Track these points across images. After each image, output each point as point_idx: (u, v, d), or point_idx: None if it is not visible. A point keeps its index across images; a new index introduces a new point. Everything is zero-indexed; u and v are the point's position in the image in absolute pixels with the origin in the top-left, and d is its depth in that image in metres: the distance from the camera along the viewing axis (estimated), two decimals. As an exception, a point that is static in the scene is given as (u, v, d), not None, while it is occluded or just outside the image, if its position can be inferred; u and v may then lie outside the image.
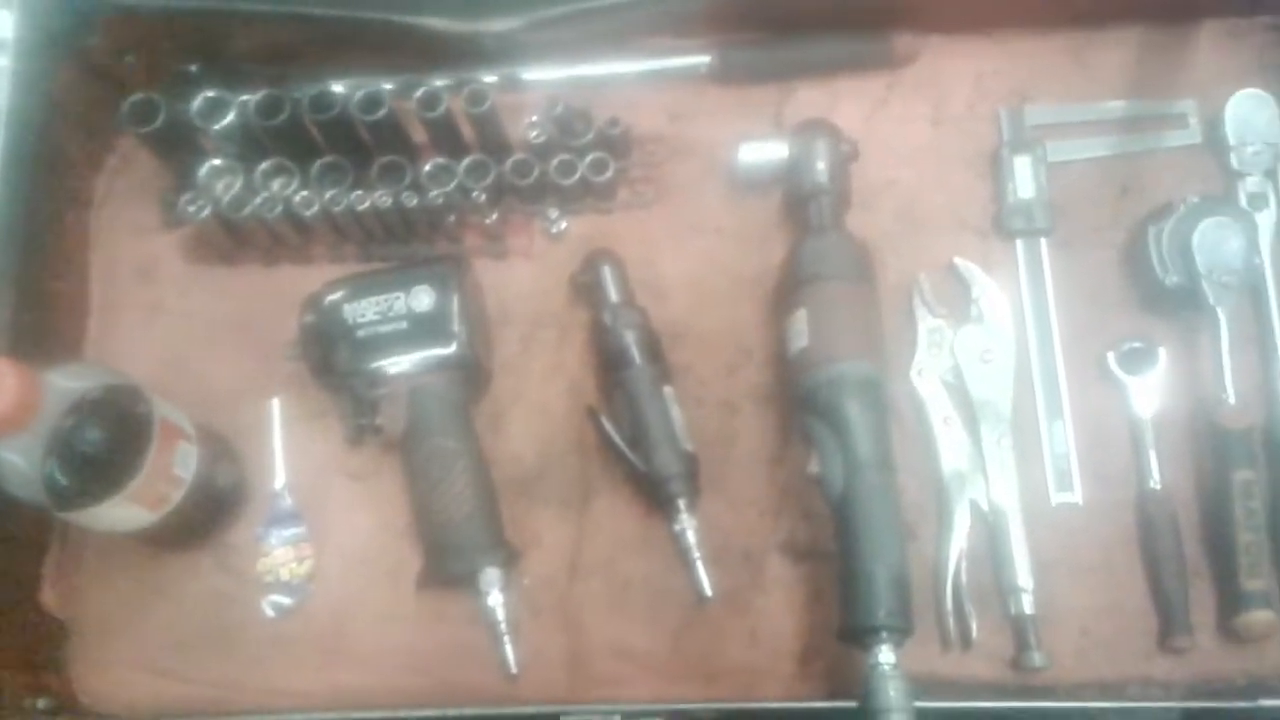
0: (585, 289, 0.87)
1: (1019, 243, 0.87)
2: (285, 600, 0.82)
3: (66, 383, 0.68)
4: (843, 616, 0.73)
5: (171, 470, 0.74)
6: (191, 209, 0.87)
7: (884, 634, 0.71)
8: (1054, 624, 0.80)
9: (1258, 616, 0.78)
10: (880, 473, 0.75)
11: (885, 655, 0.70)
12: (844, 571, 0.74)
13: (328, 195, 0.86)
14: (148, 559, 0.84)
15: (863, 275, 0.82)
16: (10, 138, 0.83)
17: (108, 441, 0.69)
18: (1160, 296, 0.84)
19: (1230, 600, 0.79)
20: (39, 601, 0.83)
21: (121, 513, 0.72)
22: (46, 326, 0.85)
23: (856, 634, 0.72)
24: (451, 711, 0.75)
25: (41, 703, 0.78)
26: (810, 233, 0.84)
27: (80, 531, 0.84)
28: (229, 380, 0.88)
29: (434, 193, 0.86)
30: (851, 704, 0.72)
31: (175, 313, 0.90)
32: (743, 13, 0.90)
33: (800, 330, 0.79)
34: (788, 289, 0.83)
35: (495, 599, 0.81)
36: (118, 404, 0.71)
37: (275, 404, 0.87)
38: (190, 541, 0.83)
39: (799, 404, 0.79)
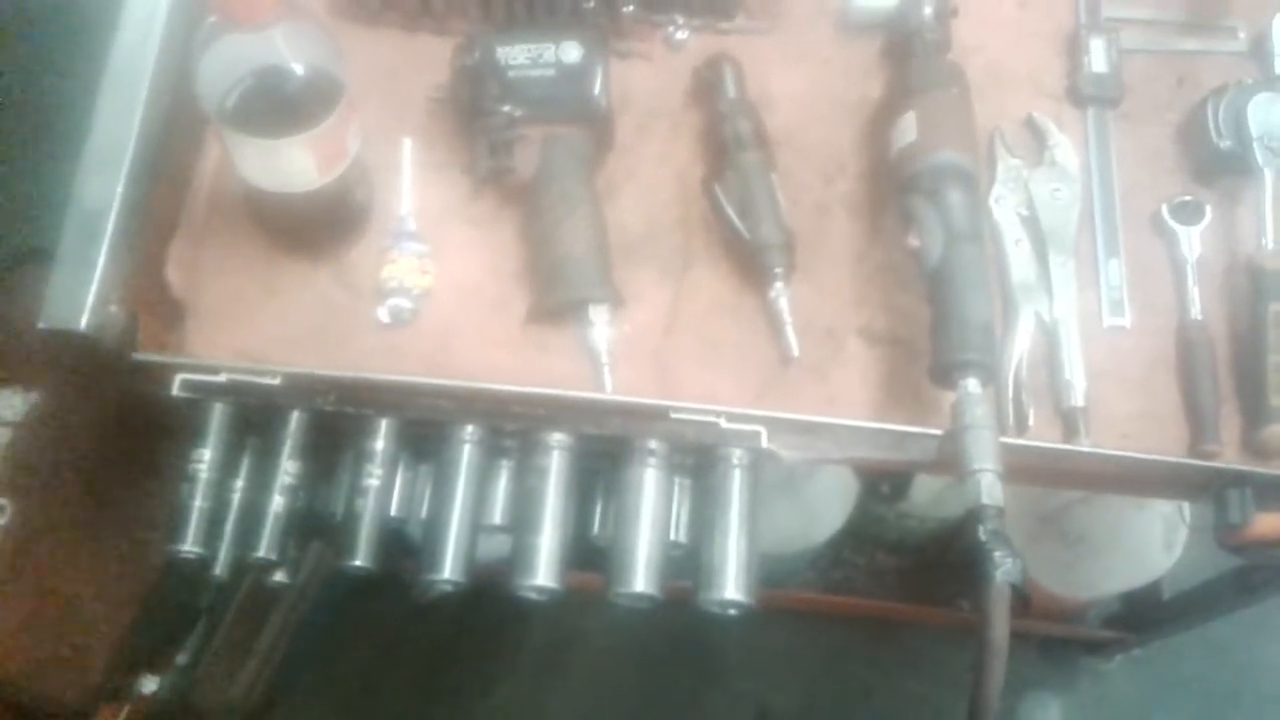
0: (705, 84, 0.95)
1: (1090, 109, 0.98)
2: (406, 304, 0.87)
3: (297, 26, 0.74)
4: (936, 355, 0.81)
5: (346, 136, 0.79)
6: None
7: (973, 368, 0.79)
8: (1098, 428, 0.88)
9: (1278, 429, 0.87)
10: (973, 244, 0.84)
11: (974, 385, 0.78)
12: (938, 321, 0.82)
13: (484, -40, 0.93)
14: (266, 261, 0.89)
15: (961, 89, 0.91)
16: None
17: (314, 84, 0.75)
18: (1211, 162, 0.95)
19: (1257, 417, 0.88)
20: (164, 278, 0.86)
21: (300, 160, 0.77)
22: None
23: (949, 368, 0.80)
24: (571, 394, 0.80)
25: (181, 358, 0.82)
26: (916, 56, 0.93)
27: (206, 218, 0.88)
28: (371, 122, 0.93)
29: (582, -25, 0.94)
30: (937, 431, 0.79)
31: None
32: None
33: (909, 128, 0.88)
34: (895, 98, 0.92)
35: (601, 331, 0.87)
36: (322, 61, 0.76)
37: (407, 143, 0.93)
38: (311, 251, 0.88)
39: (902, 189, 0.88)
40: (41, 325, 0.75)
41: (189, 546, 0.77)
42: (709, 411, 0.81)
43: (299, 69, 0.74)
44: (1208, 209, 0.94)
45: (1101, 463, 0.84)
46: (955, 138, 0.88)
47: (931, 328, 0.82)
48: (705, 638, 1.64)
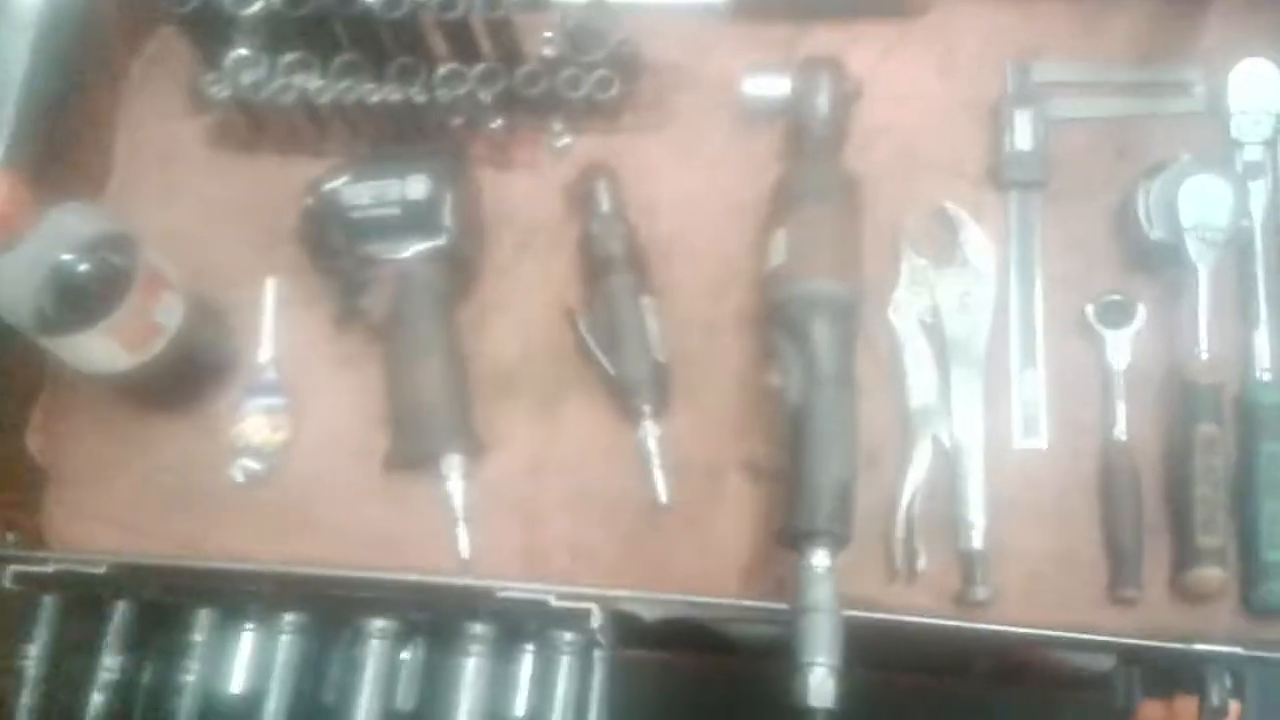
0: (578, 199, 0.89)
1: (1012, 193, 0.88)
2: (255, 465, 0.85)
3: (65, 217, 0.72)
4: (785, 519, 0.74)
5: (153, 315, 0.77)
6: (214, 89, 0.91)
7: (820, 538, 0.72)
8: (1005, 564, 0.80)
9: (1208, 573, 0.77)
10: (838, 389, 0.76)
11: (819, 559, 0.71)
12: (792, 478, 0.75)
13: (343, 86, 0.89)
14: (129, 417, 0.88)
15: (846, 201, 0.83)
16: (55, 7, 0.88)
17: (94, 275, 0.73)
18: (1145, 253, 0.84)
19: (1183, 556, 0.78)
20: (23, 445, 0.87)
21: (103, 348, 0.75)
22: (65, 189, 0.89)
23: (795, 536, 0.73)
24: (389, 577, 0.77)
25: (12, 537, 0.82)
26: (801, 158, 0.85)
27: (71, 383, 0.87)
28: (232, 260, 0.91)
29: (444, 93, 0.89)
30: (783, 605, 0.73)
31: (189, 193, 0.94)
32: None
33: (779, 248, 0.81)
34: (773, 210, 0.84)
35: (455, 484, 0.83)
36: (108, 244, 0.74)
37: (270, 283, 0.90)
38: (173, 402, 0.87)
39: (769, 318, 0.81)
40: None
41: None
42: (537, 590, 0.76)
43: (85, 266, 0.72)
44: (1139, 308, 0.83)
45: (979, 635, 0.76)
46: (827, 260, 0.80)
47: (787, 485, 0.75)
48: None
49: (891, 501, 0.81)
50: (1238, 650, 0.70)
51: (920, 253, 0.87)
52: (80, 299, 0.72)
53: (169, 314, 0.78)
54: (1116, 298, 0.84)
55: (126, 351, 0.77)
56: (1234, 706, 0.66)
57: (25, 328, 0.73)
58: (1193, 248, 0.81)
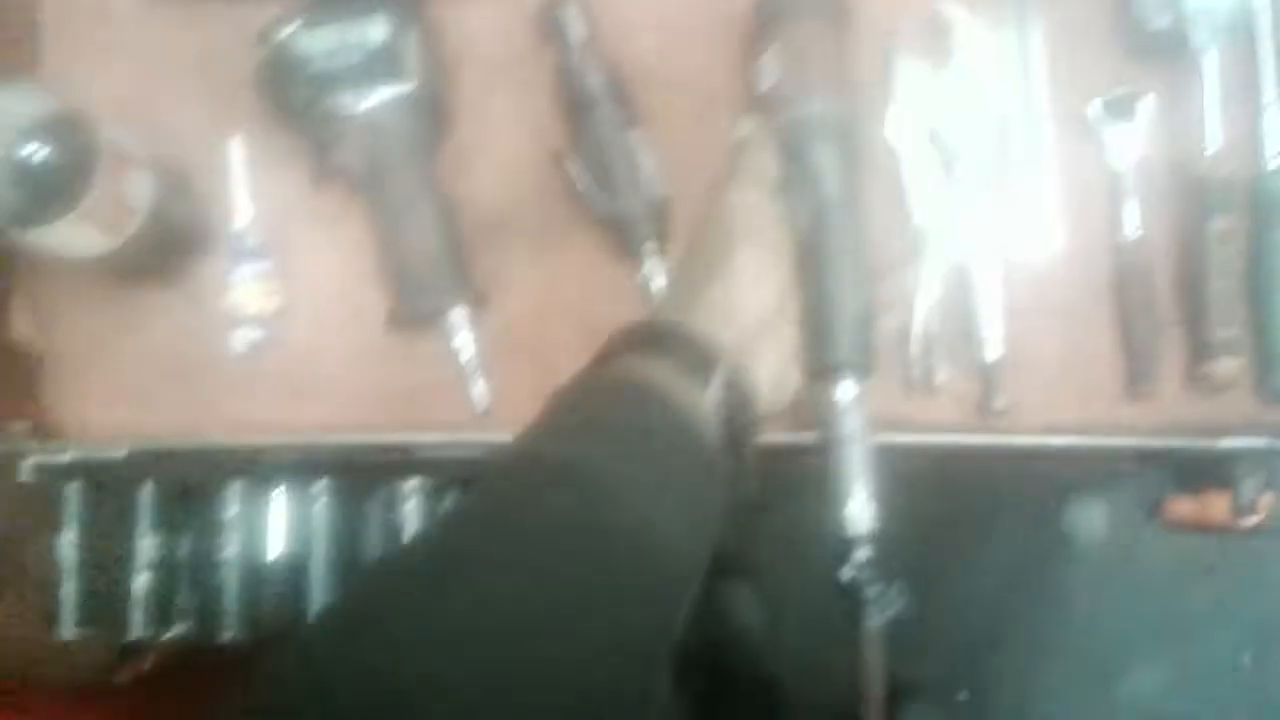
0: (547, 28, 0.84)
1: (1009, -11, 0.84)
2: (255, 333, 0.82)
3: (12, 103, 0.67)
4: (808, 353, 0.72)
5: (124, 195, 0.73)
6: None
7: (846, 370, 0.70)
8: (1025, 369, 0.80)
9: (1225, 363, 0.77)
10: (846, 213, 0.72)
11: (846, 390, 0.70)
12: (808, 311, 0.72)
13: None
14: (116, 295, 0.84)
15: (835, 11, 0.78)
16: None
17: (57, 160, 0.68)
18: (1147, 43, 0.80)
19: (1200, 348, 0.78)
20: (9, 335, 0.83)
21: (79, 235, 0.71)
22: (-2, 64, 0.83)
23: (819, 370, 0.71)
24: (416, 439, 0.76)
25: (19, 425, 0.79)
26: None
27: (51, 269, 0.83)
28: (189, 119, 0.86)
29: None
30: (809, 436, 0.73)
31: (130, 54, 0.87)
32: None
33: (769, 70, 0.76)
34: (758, 28, 0.79)
35: (463, 338, 0.81)
36: (65, 126, 0.69)
37: (235, 143, 0.85)
38: (156, 276, 0.83)
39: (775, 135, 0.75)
40: None
41: (65, 633, 0.77)
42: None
43: (43, 153, 0.67)
44: (1143, 100, 0.81)
45: (1000, 447, 0.76)
46: (824, 77, 0.75)
47: (802, 317, 0.73)
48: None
49: (906, 320, 0.80)
50: (1264, 443, 0.71)
51: (916, 59, 0.83)
52: (46, 188, 0.68)
53: (139, 191, 0.74)
54: (1120, 92, 0.81)
55: (103, 235, 0.73)
56: (1264, 498, 0.68)
57: (9, 218, 0.68)
58: (1195, 33, 0.78)
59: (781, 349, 0.69)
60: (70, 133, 0.69)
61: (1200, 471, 0.71)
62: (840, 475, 0.69)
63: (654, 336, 0.65)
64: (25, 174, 0.67)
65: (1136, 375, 0.79)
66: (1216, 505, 0.69)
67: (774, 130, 0.75)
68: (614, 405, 0.62)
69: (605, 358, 0.66)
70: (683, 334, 0.64)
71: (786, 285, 0.70)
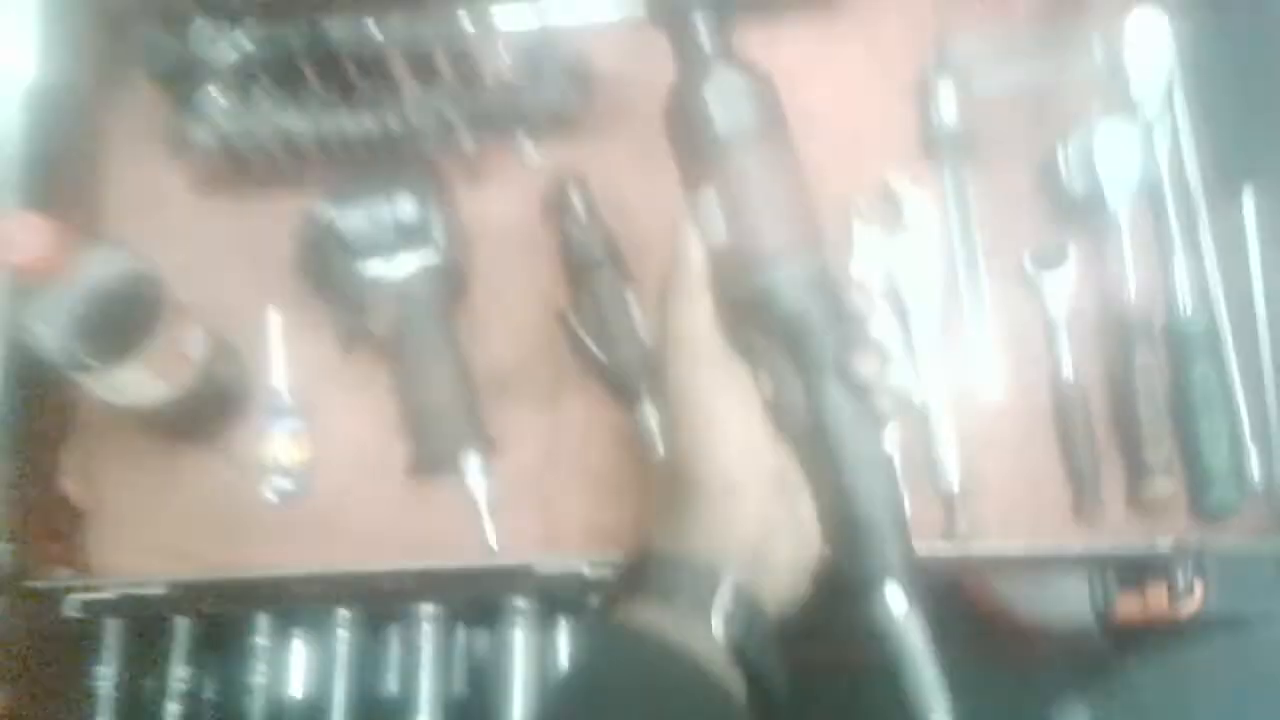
0: (553, 206, 0.96)
1: (945, 161, 0.97)
2: (286, 484, 0.91)
3: (91, 256, 0.77)
4: (836, 564, 0.63)
5: (182, 346, 0.82)
6: (194, 134, 0.95)
7: (895, 581, 0.60)
8: (980, 497, 0.89)
9: (1160, 483, 0.87)
10: (847, 390, 0.62)
11: (898, 601, 0.60)
12: (828, 511, 0.63)
13: (317, 119, 0.94)
14: (158, 452, 0.92)
15: (779, 122, 0.65)
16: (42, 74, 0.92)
17: (126, 310, 0.78)
18: (1070, 205, 0.94)
19: (1136, 471, 0.88)
20: (60, 489, 0.91)
21: (137, 380, 0.80)
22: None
23: (860, 585, 0.61)
24: (433, 566, 0.84)
25: (66, 573, 0.86)
26: (694, 66, 0.65)
27: (99, 427, 0.92)
28: (232, 292, 0.96)
29: (415, 118, 0.95)
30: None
31: (180, 237, 0.98)
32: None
33: (712, 218, 0.63)
34: (681, 154, 0.66)
35: (476, 481, 0.90)
36: (135, 280, 0.79)
37: (273, 314, 0.95)
38: (198, 435, 0.92)
39: (731, 310, 0.65)
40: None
41: (104, 765, 0.82)
42: (570, 562, 0.83)
43: (118, 303, 0.77)
44: (1070, 251, 0.93)
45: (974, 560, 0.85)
46: (793, 223, 0.64)
47: (819, 514, 0.63)
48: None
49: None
50: (1195, 539, 0.80)
51: (870, 224, 0.95)
52: (116, 332, 0.77)
53: (195, 344, 0.84)
54: (1050, 246, 0.93)
55: (161, 382, 0.82)
56: (1198, 588, 0.76)
57: (65, 365, 0.77)
58: (1110, 196, 0.91)
59: (794, 525, 0.63)
60: (140, 284, 0.79)
61: (1142, 573, 0.79)
62: (915, 702, 0.59)
63: (648, 576, 0.62)
64: (100, 319, 0.76)
65: (1082, 499, 0.89)
66: (1157, 598, 0.78)
67: (738, 298, 0.64)
68: (616, 668, 0.60)
69: (611, 601, 0.63)
70: (676, 565, 0.61)
71: (769, 444, 0.63)
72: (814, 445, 0.63)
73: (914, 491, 0.89)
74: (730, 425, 0.63)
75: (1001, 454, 0.91)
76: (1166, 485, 0.87)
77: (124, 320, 0.78)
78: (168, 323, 0.80)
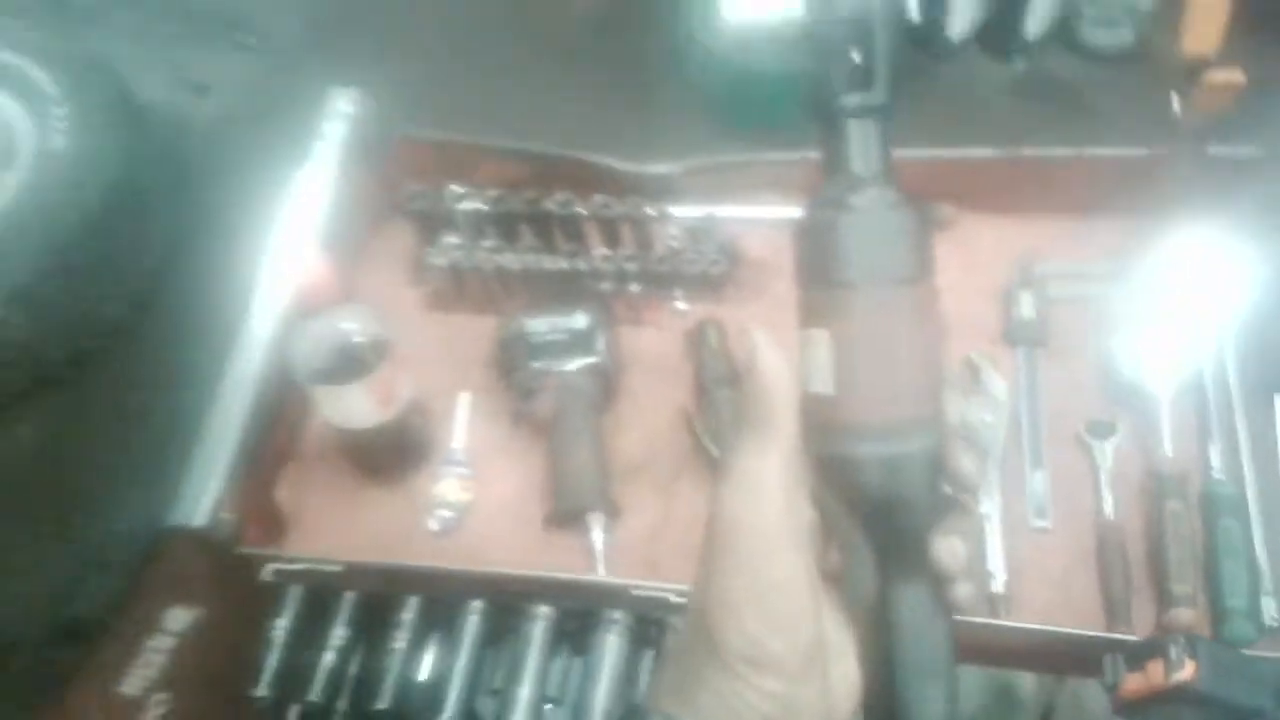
0: (693, 341, 1.20)
1: (1020, 349, 1.18)
2: (447, 514, 1.12)
3: (347, 309, 1.05)
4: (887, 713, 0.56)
5: (395, 385, 1.07)
6: (433, 261, 1.25)
7: None
8: (1019, 616, 1.03)
9: (1183, 613, 0.99)
10: (930, 582, 0.55)
11: None
12: (876, 705, 0.56)
13: (526, 259, 1.23)
14: (352, 484, 1.16)
15: (924, 271, 0.55)
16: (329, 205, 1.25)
17: (365, 344, 1.04)
18: (1121, 388, 1.12)
19: (1163, 602, 1.01)
20: (274, 498, 1.15)
21: (359, 402, 1.05)
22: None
23: None
24: (549, 575, 1.02)
25: (268, 549, 1.09)
26: (839, 182, 0.55)
27: (309, 459, 1.17)
28: (435, 383, 1.22)
29: (599, 266, 1.23)
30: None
31: (409, 333, 1.24)
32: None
33: (819, 363, 0.54)
34: (804, 281, 0.56)
35: (596, 535, 1.09)
36: (372, 330, 1.06)
37: (464, 396, 1.21)
38: (385, 471, 1.15)
39: (815, 469, 0.55)
40: (169, 524, 1.03)
41: (263, 692, 1.01)
42: (662, 589, 1.00)
43: (360, 337, 1.04)
44: (1119, 425, 1.10)
45: (1004, 635, 0.98)
46: (912, 391, 0.55)
47: (868, 691, 0.57)
48: None
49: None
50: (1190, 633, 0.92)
51: (953, 385, 1.15)
52: (353, 359, 1.03)
53: (404, 387, 1.09)
54: (1102, 419, 1.11)
55: (375, 408, 1.06)
56: (1190, 665, 0.87)
57: (310, 380, 1.03)
58: (1154, 386, 1.09)
59: (820, 703, 0.55)
60: (375, 334, 1.05)
61: (1146, 655, 0.91)
62: None
63: None
64: (342, 350, 1.02)
65: (1114, 621, 1.01)
66: (1155, 672, 0.89)
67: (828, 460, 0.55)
68: None
69: None
70: None
71: (812, 612, 0.54)
72: (876, 637, 0.55)
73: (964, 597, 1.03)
74: (772, 592, 0.54)
75: (1045, 578, 1.05)
76: (1189, 615, 0.99)
77: (359, 356, 1.05)
78: (390, 363, 1.06)
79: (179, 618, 1.41)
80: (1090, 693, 1.30)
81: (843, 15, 0.53)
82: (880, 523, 0.54)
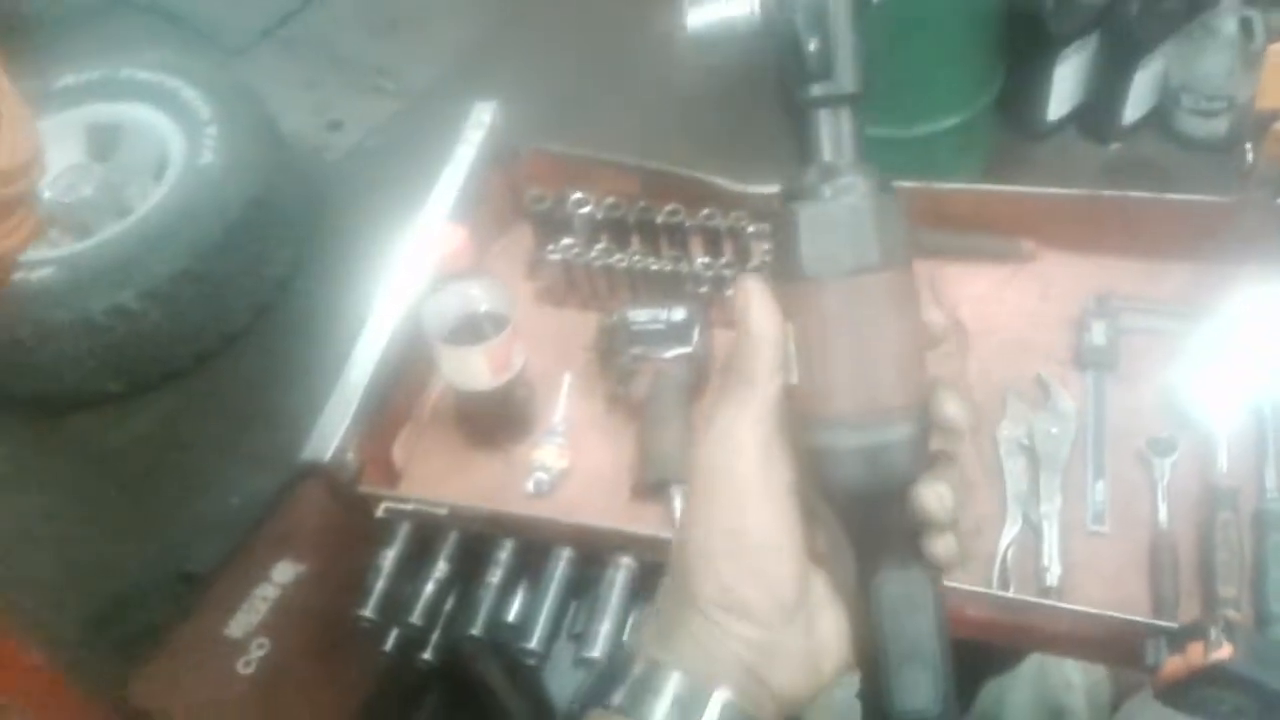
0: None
1: (1089, 372, 1.25)
2: (544, 477, 1.22)
3: (479, 280, 1.17)
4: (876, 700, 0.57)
5: (511, 354, 1.19)
6: (549, 258, 1.38)
7: None
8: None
9: (1227, 614, 1.05)
10: (915, 570, 0.56)
11: None
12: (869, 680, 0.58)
13: (634, 260, 1.35)
14: (459, 447, 1.27)
15: (894, 265, 0.54)
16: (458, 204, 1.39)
17: (489, 313, 1.16)
18: (1182, 425, 1.19)
19: (1209, 604, 1.06)
20: (391, 454, 1.27)
21: (477, 365, 1.17)
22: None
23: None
24: (634, 529, 1.11)
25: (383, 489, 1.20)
26: (802, 194, 0.56)
27: (423, 422, 1.29)
28: (544, 363, 1.33)
29: (700, 270, 1.34)
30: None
31: (522, 322, 1.38)
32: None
33: (789, 356, 0.55)
34: (778, 275, 0.57)
35: (678, 504, 1.18)
36: (498, 301, 1.18)
37: (567, 376, 1.32)
38: (490, 440, 1.26)
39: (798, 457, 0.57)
40: (301, 458, 1.15)
41: (368, 614, 1.11)
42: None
43: (485, 308, 1.16)
44: (1179, 443, 1.17)
45: (1053, 617, 1.04)
46: (889, 381, 0.54)
47: (863, 661, 0.59)
48: None
49: (992, 554, 1.13)
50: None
51: (1023, 400, 1.23)
52: (478, 325, 1.15)
53: (518, 358, 1.21)
54: (1163, 437, 1.18)
55: (491, 373, 1.18)
56: (1227, 646, 0.93)
57: (435, 339, 1.15)
58: (1214, 418, 1.16)
59: (804, 654, 0.58)
60: (500, 301, 1.17)
61: (1186, 638, 0.96)
62: None
63: (632, 680, 0.58)
64: (468, 317, 1.15)
65: (1160, 617, 1.07)
66: (1195, 652, 0.94)
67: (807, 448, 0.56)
68: None
69: (592, 700, 0.63)
70: (662, 673, 0.57)
71: (796, 578, 0.57)
72: (861, 624, 0.58)
73: (1022, 589, 1.10)
74: (745, 541, 0.56)
75: (1098, 578, 1.11)
76: (1234, 617, 1.05)
77: (486, 319, 1.17)
78: (509, 334, 1.18)
79: (286, 571, 1.54)
80: (1142, 715, 1.34)
81: (799, 3, 0.54)
82: (858, 513, 0.55)
